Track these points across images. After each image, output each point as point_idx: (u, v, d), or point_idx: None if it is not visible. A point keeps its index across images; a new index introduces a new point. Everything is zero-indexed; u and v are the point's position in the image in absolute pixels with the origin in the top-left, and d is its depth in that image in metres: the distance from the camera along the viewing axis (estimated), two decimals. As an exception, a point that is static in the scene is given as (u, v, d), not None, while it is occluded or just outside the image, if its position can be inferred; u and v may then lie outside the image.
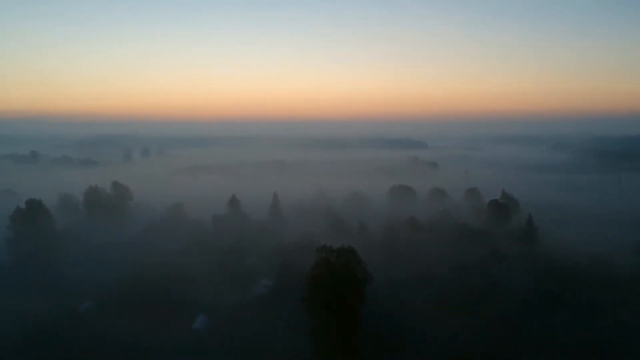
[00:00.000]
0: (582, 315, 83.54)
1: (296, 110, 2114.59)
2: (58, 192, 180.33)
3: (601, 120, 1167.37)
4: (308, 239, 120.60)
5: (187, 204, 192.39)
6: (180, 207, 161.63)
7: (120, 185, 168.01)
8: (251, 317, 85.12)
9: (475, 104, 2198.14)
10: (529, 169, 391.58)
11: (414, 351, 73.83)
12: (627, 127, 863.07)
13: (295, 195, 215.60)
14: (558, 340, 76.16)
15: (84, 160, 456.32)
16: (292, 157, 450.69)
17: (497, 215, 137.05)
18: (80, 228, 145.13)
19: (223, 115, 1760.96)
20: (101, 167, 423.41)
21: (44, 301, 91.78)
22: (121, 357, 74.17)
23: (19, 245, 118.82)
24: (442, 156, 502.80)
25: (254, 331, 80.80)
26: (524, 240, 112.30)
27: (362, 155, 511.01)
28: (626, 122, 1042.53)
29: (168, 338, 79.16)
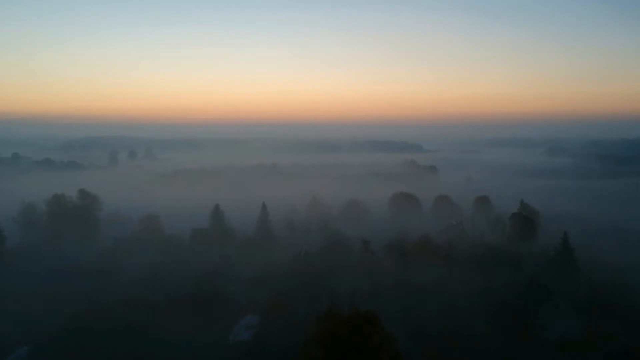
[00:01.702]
0: None
1: (288, 112, 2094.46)
2: (22, 201, 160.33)
3: (595, 123, 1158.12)
4: (302, 260, 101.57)
5: (166, 214, 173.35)
6: (155, 220, 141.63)
7: (88, 194, 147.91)
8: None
9: (469, 107, 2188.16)
10: (531, 174, 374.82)
11: None
12: (624, 129, 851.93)
13: (287, 202, 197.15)
14: None
15: (67, 163, 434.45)
16: (284, 160, 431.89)
17: (522, 232, 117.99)
18: (38, 245, 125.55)
19: (215, 118, 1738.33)
20: (84, 170, 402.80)
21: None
22: None
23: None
24: (440, 159, 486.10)
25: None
26: (561, 265, 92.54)
27: (356, 158, 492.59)
28: (622, 124, 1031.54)
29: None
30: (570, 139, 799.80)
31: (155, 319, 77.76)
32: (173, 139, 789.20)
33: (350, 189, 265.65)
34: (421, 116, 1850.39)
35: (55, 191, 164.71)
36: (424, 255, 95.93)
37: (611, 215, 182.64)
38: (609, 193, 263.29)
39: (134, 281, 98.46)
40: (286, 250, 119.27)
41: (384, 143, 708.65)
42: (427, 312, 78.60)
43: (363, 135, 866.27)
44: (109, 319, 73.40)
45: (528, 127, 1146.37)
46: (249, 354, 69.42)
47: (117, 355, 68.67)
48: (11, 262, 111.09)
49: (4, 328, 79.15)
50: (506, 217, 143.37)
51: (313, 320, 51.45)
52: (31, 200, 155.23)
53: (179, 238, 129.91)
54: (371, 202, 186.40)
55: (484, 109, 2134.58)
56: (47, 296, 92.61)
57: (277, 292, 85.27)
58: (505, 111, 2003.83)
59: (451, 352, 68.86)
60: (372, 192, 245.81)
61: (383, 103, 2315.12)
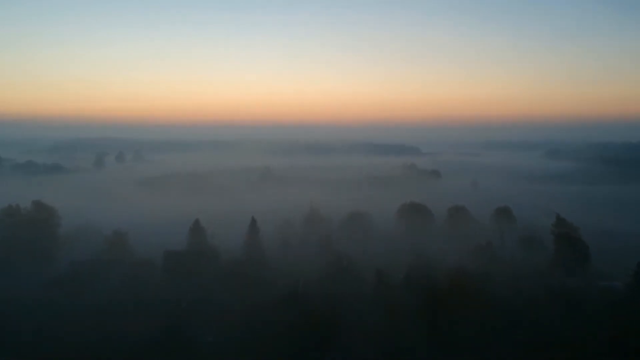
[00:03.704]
0: None
1: (283, 114, 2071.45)
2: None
3: (593, 126, 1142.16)
4: (300, 297, 79.50)
5: (144, 226, 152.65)
6: (123, 238, 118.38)
7: (44, 206, 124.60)
8: None
9: (464, 108, 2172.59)
10: (539, 178, 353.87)
11: None
12: (624, 132, 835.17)
13: (281, 211, 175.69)
14: None
15: (50, 166, 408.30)
16: (278, 163, 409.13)
17: (571, 260, 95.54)
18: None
19: (208, 119, 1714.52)
20: (67, 174, 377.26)
21: None
22: None
23: None
24: (440, 163, 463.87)
25: None
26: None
27: (353, 161, 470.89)
28: (620, 127, 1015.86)
29: None
30: (569, 142, 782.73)
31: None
32: (164, 140, 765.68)
33: (350, 195, 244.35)
34: (417, 118, 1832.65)
35: (28, 197, 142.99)
36: (461, 294, 73.25)
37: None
38: (630, 200, 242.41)
39: (78, 334, 75.51)
40: (280, 278, 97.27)
41: (380, 145, 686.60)
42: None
43: (358, 138, 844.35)
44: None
45: (524, 129, 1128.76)
46: None
47: None
48: None
49: None
50: (538, 234, 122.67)
51: None
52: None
53: (150, 262, 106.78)
54: (375, 211, 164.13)
55: (479, 111, 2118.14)
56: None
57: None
58: (500, 113, 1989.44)
59: None
60: (373, 199, 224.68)
61: (378, 104, 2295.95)
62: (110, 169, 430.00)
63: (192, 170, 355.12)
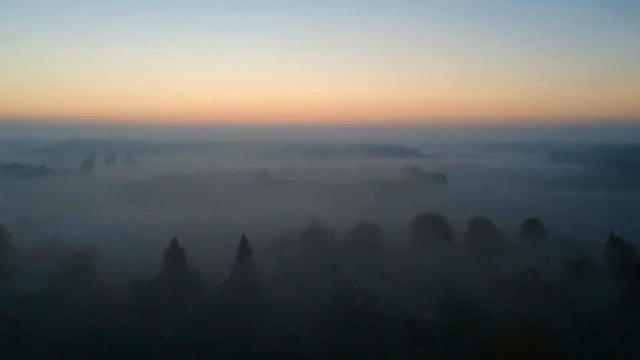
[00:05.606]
0: None
1: (280, 115, 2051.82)
2: None
3: (592, 127, 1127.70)
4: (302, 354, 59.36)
5: (116, 243, 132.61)
6: (85, 262, 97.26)
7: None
8: None
9: (463, 110, 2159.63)
10: (547, 183, 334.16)
11: None
12: (627, 134, 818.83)
13: (277, 222, 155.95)
14: None
15: (36, 168, 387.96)
16: (274, 165, 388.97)
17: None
18: None
19: (205, 120, 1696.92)
20: (52, 176, 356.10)
21: None
22: None
23: None
24: (441, 165, 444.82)
25: None
26: None
27: (352, 163, 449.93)
28: (621, 129, 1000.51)
29: None
30: (570, 144, 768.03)
31: None
32: (159, 142, 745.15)
33: (352, 202, 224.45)
34: (414, 119, 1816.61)
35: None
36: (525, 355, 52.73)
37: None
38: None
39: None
40: (275, 318, 76.78)
41: (379, 147, 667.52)
42: None
43: (356, 139, 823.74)
44: None
45: (525, 131, 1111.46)
46: None
47: None
48: None
49: None
50: (583, 253, 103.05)
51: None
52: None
53: (115, 295, 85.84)
54: (382, 222, 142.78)
55: (479, 112, 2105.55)
56: None
57: None
58: (500, 115, 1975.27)
59: None
60: (379, 207, 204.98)
61: (375, 106, 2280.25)
62: (99, 172, 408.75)
63: (184, 173, 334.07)
